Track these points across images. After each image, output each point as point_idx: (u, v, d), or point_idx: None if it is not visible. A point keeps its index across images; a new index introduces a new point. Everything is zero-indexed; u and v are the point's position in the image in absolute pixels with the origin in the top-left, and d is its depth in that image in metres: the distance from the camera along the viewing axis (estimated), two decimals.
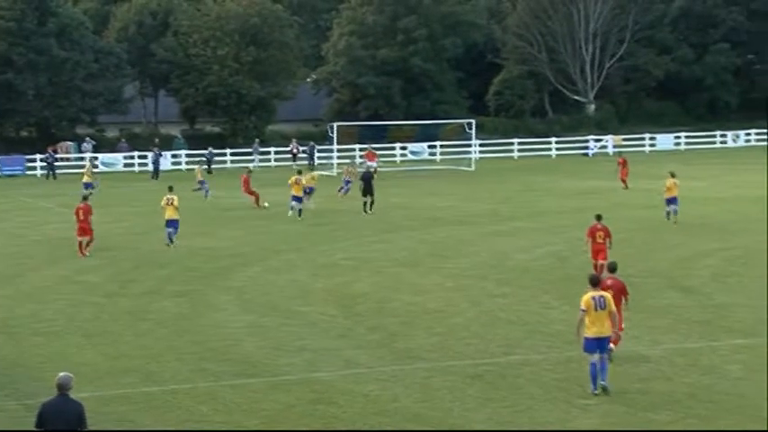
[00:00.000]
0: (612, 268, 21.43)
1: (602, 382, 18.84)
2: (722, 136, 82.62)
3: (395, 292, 28.47)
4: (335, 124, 68.43)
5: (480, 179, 61.16)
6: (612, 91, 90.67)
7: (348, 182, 52.59)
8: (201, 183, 52.95)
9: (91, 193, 44.00)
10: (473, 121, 71.30)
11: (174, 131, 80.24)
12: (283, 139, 78.41)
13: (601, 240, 28.66)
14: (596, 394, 18.74)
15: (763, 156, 69.44)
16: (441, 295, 27.92)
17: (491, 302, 26.90)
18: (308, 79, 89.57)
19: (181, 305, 27.29)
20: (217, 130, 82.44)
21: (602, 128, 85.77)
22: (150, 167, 67.60)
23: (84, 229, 35.03)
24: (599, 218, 29.55)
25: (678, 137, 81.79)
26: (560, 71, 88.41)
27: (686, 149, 79.54)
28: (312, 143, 73.08)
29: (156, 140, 73.72)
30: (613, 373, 20.17)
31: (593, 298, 18.19)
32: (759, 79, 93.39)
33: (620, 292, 20.40)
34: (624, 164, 54.71)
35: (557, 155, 77.00)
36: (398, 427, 17.60)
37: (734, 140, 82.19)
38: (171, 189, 38.23)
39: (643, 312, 25.07)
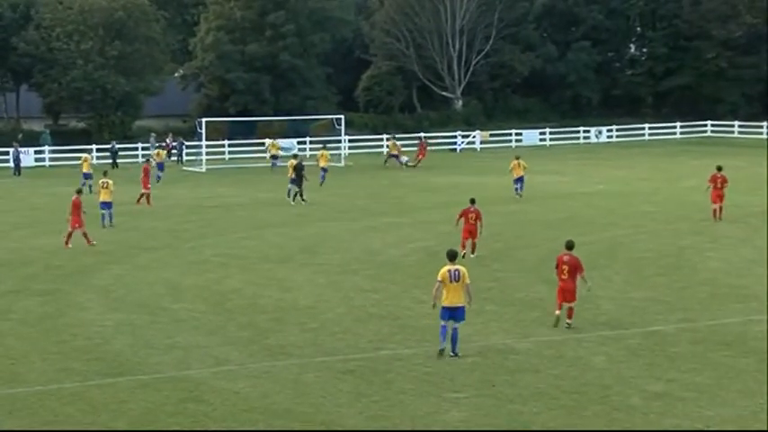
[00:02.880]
0: (570, 246, 23.02)
1: (451, 353, 20.59)
2: (585, 132, 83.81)
3: (266, 288, 28.27)
4: (204, 120, 67.61)
5: (349, 175, 60.97)
6: (479, 87, 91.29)
7: (394, 156, 60.25)
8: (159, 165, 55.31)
9: None
10: (342, 116, 71.13)
11: (38, 127, 78.23)
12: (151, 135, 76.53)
13: (472, 222, 30.78)
14: (442, 350, 20.57)
15: (623, 152, 71.44)
16: (312, 291, 27.81)
17: (362, 298, 26.89)
18: (176, 74, 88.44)
19: (45, 304, 26.63)
20: (82, 125, 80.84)
21: (469, 124, 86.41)
22: (11, 164, 65.48)
23: None
24: (473, 201, 31.41)
25: (543, 132, 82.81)
26: (428, 67, 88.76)
27: (551, 145, 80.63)
28: (181, 139, 71.89)
29: (20, 136, 71.60)
30: (482, 366, 20.35)
31: (449, 271, 19.87)
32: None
33: (575, 268, 22.51)
34: (423, 147, 63.33)
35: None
36: (269, 423, 17.49)
37: (596, 136, 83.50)
38: (105, 174, 40.80)
39: (512, 306, 25.39)
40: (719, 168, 38.64)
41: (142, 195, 46.07)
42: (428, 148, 66.87)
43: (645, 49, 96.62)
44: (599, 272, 28.79)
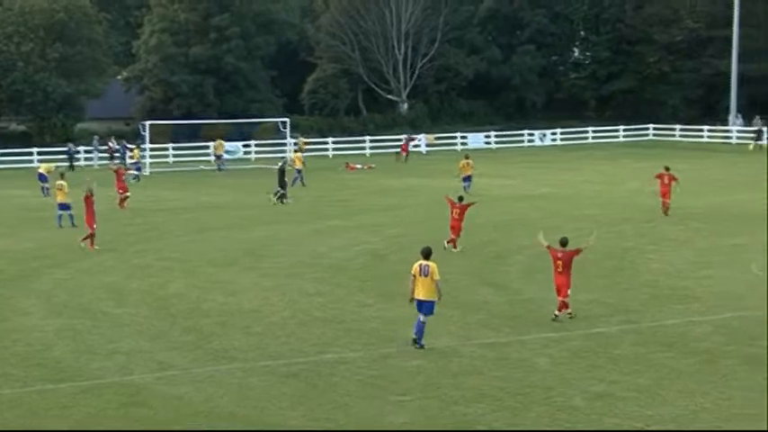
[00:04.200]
0: (564, 243, 23.97)
1: (416, 343, 21.37)
2: (530, 135, 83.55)
3: (210, 292, 27.94)
4: (148, 123, 66.98)
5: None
6: (425, 90, 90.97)
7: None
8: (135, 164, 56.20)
9: None
10: (287, 119, 70.75)
11: None
12: (94, 137, 75.47)
13: (456, 217, 32.48)
14: (417, 344, 21.25)
15: (567, 155, 71.12)
16: (257, 295, 27.50)
17: (307, 301, 26.64)
18: (119, 77, 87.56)
19: None
20: (22, 128, 79.65)
21: (415, 126, 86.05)
22: None
23: None
24: (460, 199, 33.25)
25: (488, 135, 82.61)
26: (374, 70, 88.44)
27: (497, 148, 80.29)
28: (124, 142, 71.04)
29: None
30: (427, 369, 20.28)
31: (420, 266, 20.85)
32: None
33: (568, 263, 23.54)
34: (406, 146, 64.61)
35: (371, 153, 76.54)
36: (213, 426, 17.33)
37: (541, 139, 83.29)
38: (62, 175, 41.78)
39: (457, 309, 25.25)
40: (667, 169, 39.30)
41: (124, 199, 45.86)
42: (410, 149, 68.48)
43: (588, 53, 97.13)
44: (543, 274, 28.55)
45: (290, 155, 59.24)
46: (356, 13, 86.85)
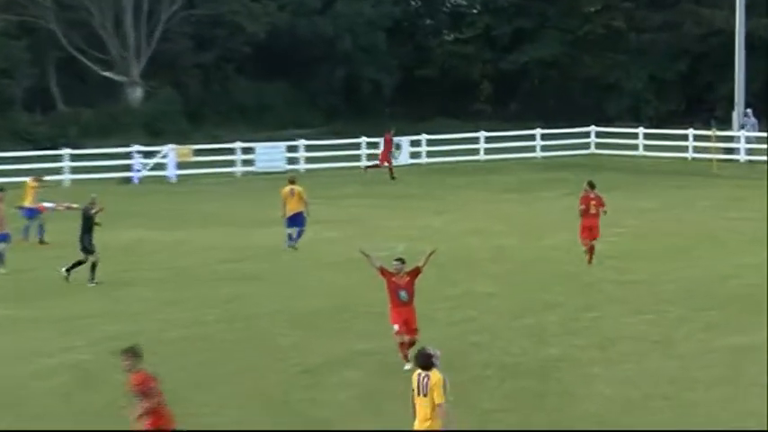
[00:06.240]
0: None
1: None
2: (371, 145, 60.20)
3: None
4: None
5: None
6: (173, 63, 66.92)
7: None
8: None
9: None
10: None
11: None
12: None
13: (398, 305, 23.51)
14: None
15: (439, 181, 54.68)
16: None
17: None
18: None
19: None
20: None
21: (154, 133, 61.60)
22: None
23: None
24: (401, 261, 23.41)
25: (294, 147, 59.06)
26: (78, 26, 62.17)
27: (308, 170, 56.86)
28: None
29: None
30: None
31: (419, 377, 16.01)
32: None
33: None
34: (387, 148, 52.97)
35: (73, 180, 53.35)
36: None
37: (393, 154, 59.48)
38: None
39: None
40: (592, 186, 31.56)
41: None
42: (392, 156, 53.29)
43: None
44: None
45: None
46: None
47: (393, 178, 50.73)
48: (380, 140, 55.04)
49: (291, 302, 26.63)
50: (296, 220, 33.45)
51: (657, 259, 32.55)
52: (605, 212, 30.97)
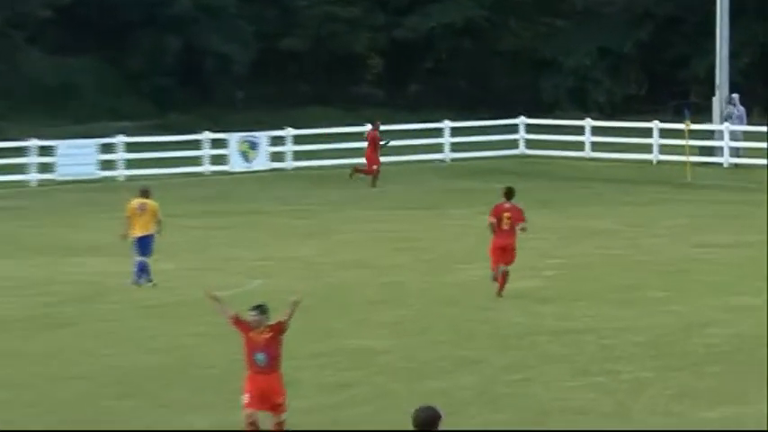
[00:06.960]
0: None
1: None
2: (217, 143, 69.97)
3: None
4: None
5: None
6: None
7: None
8: None
9: None
10: None
11: None
12: None
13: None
14: None
15: (310, 193, 52.70)
16: None
17: None
18: None
19: None
20: None
21: None
22: None
23: None
24: (262, 311, 24.63)
25: (111, 145, 71.82)
26: None
27: (130, 176, 75.38)
28: None
29: None
30: None
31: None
32: None
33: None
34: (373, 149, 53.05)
35: None
36: None
37: (244, 156, 72.98)
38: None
39: None
40: (509, 195, 28.76)
41: None
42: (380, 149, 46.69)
43: None
44: None
45: None
46: None
47: (374, 186, 46.00)
48: (233, 140, 47.51)
49: (111, 360, 26.71)
50: (145, 245, 31.63)
51: (607, 301, 30.17)
52: (523, 230, 27.92)
